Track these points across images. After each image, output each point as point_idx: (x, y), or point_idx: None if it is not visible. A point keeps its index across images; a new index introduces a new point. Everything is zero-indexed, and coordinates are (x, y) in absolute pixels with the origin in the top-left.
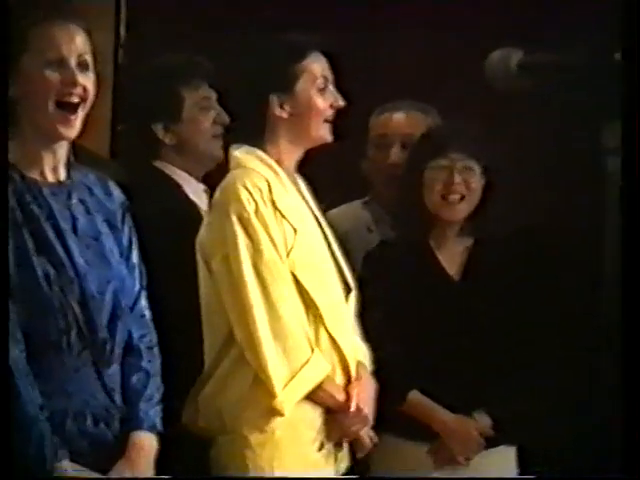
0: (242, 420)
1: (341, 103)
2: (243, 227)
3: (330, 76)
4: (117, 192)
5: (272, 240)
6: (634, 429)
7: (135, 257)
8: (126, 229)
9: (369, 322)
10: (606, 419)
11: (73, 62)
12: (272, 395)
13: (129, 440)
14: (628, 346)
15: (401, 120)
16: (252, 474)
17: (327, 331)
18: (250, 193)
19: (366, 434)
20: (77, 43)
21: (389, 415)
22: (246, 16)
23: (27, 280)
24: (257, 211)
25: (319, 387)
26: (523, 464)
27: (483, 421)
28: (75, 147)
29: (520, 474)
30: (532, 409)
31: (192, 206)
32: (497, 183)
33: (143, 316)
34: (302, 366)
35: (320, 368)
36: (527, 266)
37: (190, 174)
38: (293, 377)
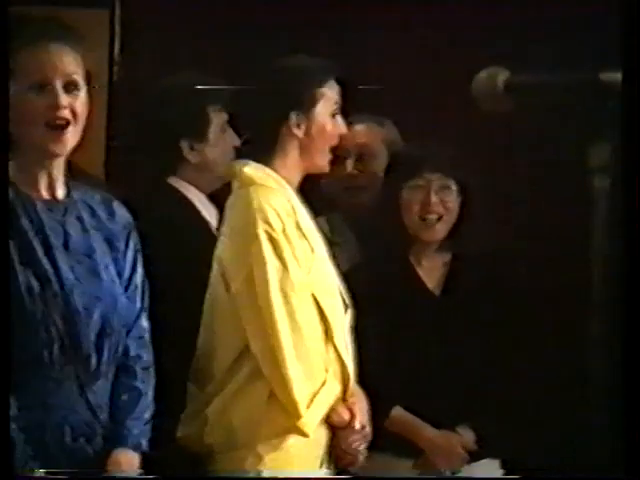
0: (256, 437)
1: (344, 131)
2: (272, 247)
3: (340, 104)
4: (122, 212)
5: (297, 260)
6: (636, 429)
7: (138, 277)
8: (130, 249)
9: (353, 340)
10: (605, 422)
11: (59, 84)
12: (297, 416)
13: (110, 457)
14: (626, 348)
15: (354, 131)
16: None
17: (335, 349)
18: (277, 213)
19: (362, 450)
20: (64, 64)
21: (373, 431)
22: (236, 25)
23: (10, 292)
24: (284, 231)
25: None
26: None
27: (467, 436)
28: (71, 166)
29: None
30: (516, 422)
31: (204, 223)
32: (474, 201)
33: (142, 337)
34: (321, 387)
35: (334, 388)
36: (507, 281)
37: (202, 191)
38: (314, 397)
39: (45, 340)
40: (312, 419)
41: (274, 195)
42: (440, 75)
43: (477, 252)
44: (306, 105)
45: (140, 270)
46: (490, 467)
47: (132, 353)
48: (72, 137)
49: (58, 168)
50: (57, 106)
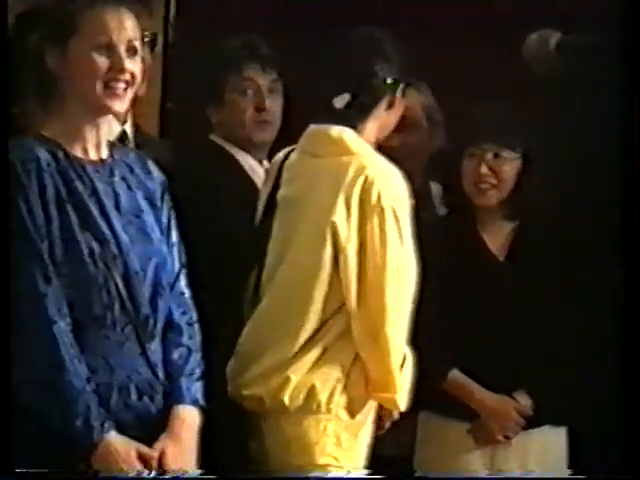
0: (339, 401)
1: None
2: (396, 223)
3: None
4: (156, 171)
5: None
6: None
7: (175, 236)
8: (165, 208)
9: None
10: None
11: (122, 48)
12: (394, 390)
13: (172, 414)
14: None
15: None
16: (346, 457)
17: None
18: (395, 188)
19: None
20: (127, 29)
21: (431, 394)
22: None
23: (72, 255)
24: (402, 205)
25: None
26: (572, 446)
27: (523, 401)
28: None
29: (570, 456)
30: (574, 390)
31: (249, 180)
32: (534, 168)
33: (183, 294)
34: (403, 361)
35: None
36: (571, 248)
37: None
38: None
39: (107, 302)
40: (404, 394)
41: (388, 167)
42: (491, 41)
43: (541, 218)
44: (407, 81)
45: (176, 228)
46: (552, 434)
47: (176, 310)
48: (125, 97)
49: (105, 126)
50: (121, 69)
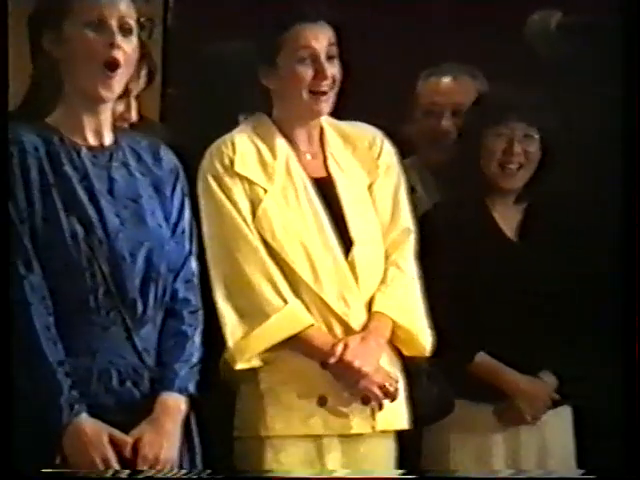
0: (235, 372)
1: None
2: (218, 186)
3: None
4: (168, 157)
5: (235, 204)
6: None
7: (186, 222)
8: (177, 194)
9: (431, 285)
10: None
11: (114, 24)
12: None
13: (157, 400)
14: None
15: (451, 86)
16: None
17: (308, 286)
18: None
19: (378, 391)
20: (119, 6)
21: (452, 377)
22: None
23: (54, 239)
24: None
25: (297, 338)
26: (579, 425)
27: (550, 381)
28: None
29: (575, 435)
30: (595, 370)
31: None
32: (555, 150)
33: (189, 280)
34: (266, 318)
35: (296, 320)
36: (587, 225)
37: None
38: (252, 329)
39: (90, 286)
40: (248, 349)
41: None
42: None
43: (555, 200)
44: (267, 58)
45: (187, 214)
46: (563, 415)
47: (180, 297)
48: (118, 83)
49: (105, 113)
50: (112, 44)
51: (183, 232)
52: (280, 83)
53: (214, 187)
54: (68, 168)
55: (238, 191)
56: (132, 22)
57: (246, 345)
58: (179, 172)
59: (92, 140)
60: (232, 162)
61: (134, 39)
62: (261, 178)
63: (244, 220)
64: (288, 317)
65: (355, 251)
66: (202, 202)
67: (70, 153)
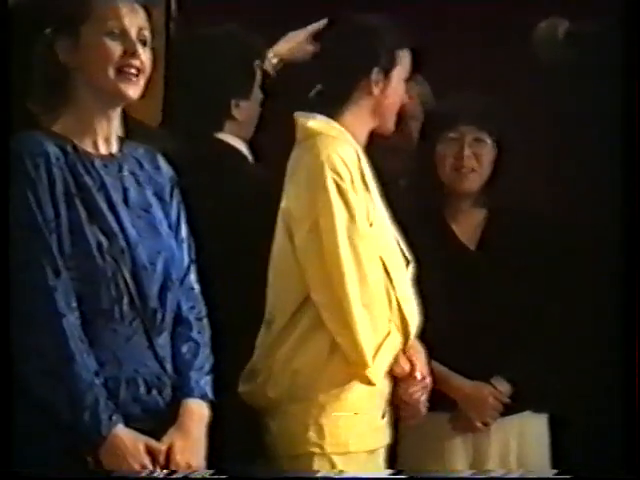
0: (318, 387)
1: (407, 100)
2: (340, 196)
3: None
4: (165, 166)
5: (364, 211)
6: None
7: (184, 231)
8: (174, 203)
9: None
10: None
11: (134, 35)
12: (364, 365)
13: (181, 407)
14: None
15: None
16: (329, 443)
17: (397, 300)
18: (345, 162)
19: (424, 402)
20: (138, 16)
21: None
22: None
23: (81, 249)
24: (352, 181)
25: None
26: (553, 432)
27: (501, 387)
28: (127, 120)
29: (551, 442)
30: (551, 376)
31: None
32: (510, 155)
33: (192, 289)
34: (385, 337)
35: (397, 339)
36: (542, 235)
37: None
38: (379, 347)
39: (115, 296)
40: (378, 368)
41: (341, 145)
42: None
43: (512, 207)
44: (387, 65)
45: (185, 223)
46: (532, 421)
47: (185, 305)
48: (139, 84)
49: (115, 121)
50: (133, 53)
51: (183, 241)
52: None
53: (350, 193)
54: (87, 178)
55: (359, 201)
56: (147, 33)
57: (379, 362)
58: (175, 181)
59: (103, 149)
60: (362, 172)
61: (148, 49)
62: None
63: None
64: (394, 336)
65: (410, 267)
66: (336, 207)
67: (85, 162)
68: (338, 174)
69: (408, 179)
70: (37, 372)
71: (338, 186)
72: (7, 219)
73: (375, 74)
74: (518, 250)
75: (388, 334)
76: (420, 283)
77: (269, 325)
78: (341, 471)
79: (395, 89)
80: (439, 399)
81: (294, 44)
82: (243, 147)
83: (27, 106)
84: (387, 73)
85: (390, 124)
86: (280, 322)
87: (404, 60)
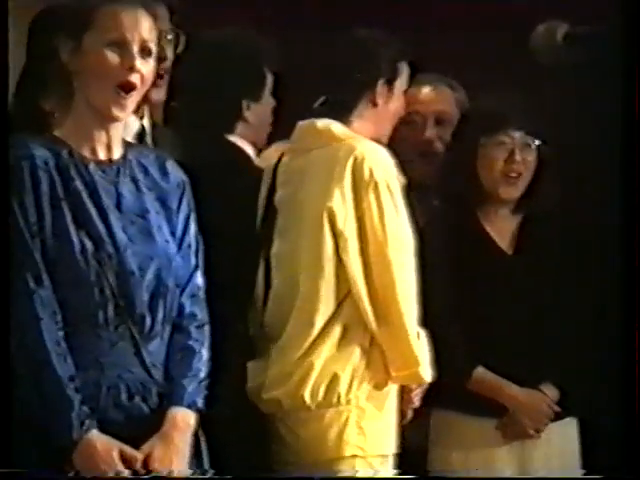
0: (359, 389)
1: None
2: (390, 194)
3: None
4: (175, 171)
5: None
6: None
7: (191, 236)
8: (183, 208)
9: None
10: None
11: (135, 47)
12: (416, 363)
13: (166, 416)
14: None
15: (431, 96)
16: (370, 446)
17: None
18: (387, 165)
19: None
20: (142, 29)
21: (452, 393)
22: None
23: (64, 253)
24: (395, 179)
25: None
26: (584, 436)
27: (551, 393)
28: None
29: (581, 446)
30: (595, 380)
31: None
32: (550, 160)
33: (195, 295)
34: (418, 337)
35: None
36: (581, 238)
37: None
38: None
39: (99, 301)
40: (426, 365)
41: (381, 148)
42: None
43: (550, 211)
44: (390, 77)
45: (193, 228)
46: (569, 426)
47: (186, 311)
48: (132, 103)
49: (116, 129)
50: (132, 68)
51: (189, 246)
52: None
53: (397, 194)
54: (78, 183)
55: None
56: (152, 45)
57: (425, 360)
58: (185, 186)
59: (101, 154)
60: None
61: (152, 61)
62: None
63: None
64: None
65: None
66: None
67: (79, 167)
68: (386, 172)
69: (439, 183)
70: (21, 376)
71: (388, 185)
72: (7, 221)
73: (380, 86)
74: (556, 253)
75: (418, 334)
76: (459, 288)
77: (303, 329)
78: (376, 472)
79: (397, 100)
80: (484, 405)
81: None
82: (251, 151)
83: (29, 109)
84: (390, 85)
85: (388, 134)
86: (317, 326)
87: (405, 72)
